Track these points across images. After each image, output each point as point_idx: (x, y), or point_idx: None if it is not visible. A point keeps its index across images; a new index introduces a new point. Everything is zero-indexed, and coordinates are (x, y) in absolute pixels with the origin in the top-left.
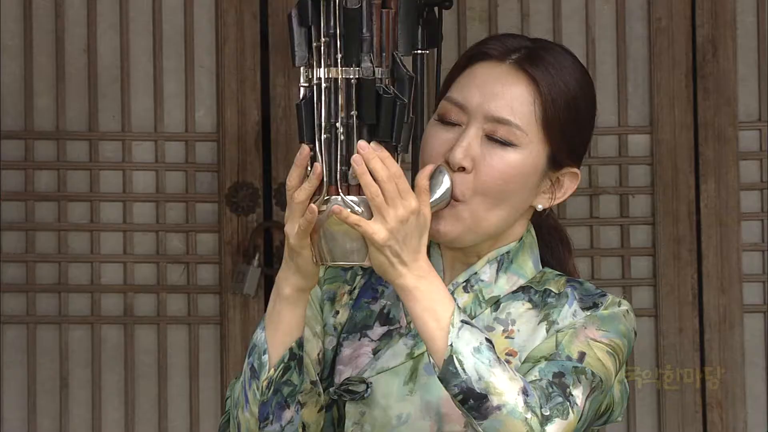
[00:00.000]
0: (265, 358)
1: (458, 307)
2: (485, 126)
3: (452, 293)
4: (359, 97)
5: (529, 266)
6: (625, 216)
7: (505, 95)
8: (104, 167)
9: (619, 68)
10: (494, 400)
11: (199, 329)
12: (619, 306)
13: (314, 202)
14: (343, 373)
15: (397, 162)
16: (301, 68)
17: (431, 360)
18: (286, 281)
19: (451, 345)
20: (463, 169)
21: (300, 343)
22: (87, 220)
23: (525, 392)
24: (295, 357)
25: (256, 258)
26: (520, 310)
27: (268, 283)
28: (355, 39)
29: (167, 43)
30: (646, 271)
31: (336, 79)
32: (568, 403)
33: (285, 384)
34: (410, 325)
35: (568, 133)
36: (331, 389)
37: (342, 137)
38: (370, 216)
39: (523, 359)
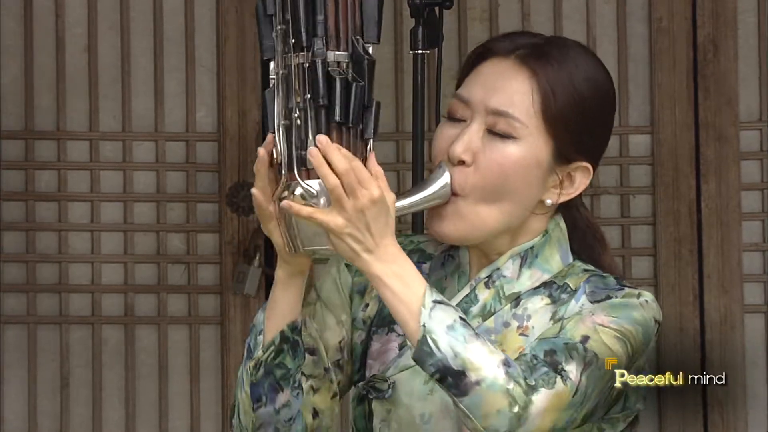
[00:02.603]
0: (260, 338)
1: (429, 287)
2: (487, 120)
3: (474, 289)
4: (311, 79)
5: (555, 260)
6: (626, 216)
7: (506, 89)
8: (105, 167)
9: (619, 68)
10: (472, 376)
11: (200, 329)
12: (638, 297)
13: (277, 189)
14: (373, 367)
15: (368, 148)
16: (271, 60)
17: (409, 344)
18: (279, 266)
19: (423, 325)
20: (462, 162)
21: (293, 327)
22: (87, 220)
23: (506, 364)
24: (287, 340)
25: (257, 258)
26: (537, 305)
27: (268, 283)
28: (310, 25)
29: (168, 42)
30: (646, 272)
31: (290, 66)
32: (556, 374)
33: (277, 366)
34: None
35: (572, 127)
36: (359, 384)
37: (298, 122)
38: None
39: None
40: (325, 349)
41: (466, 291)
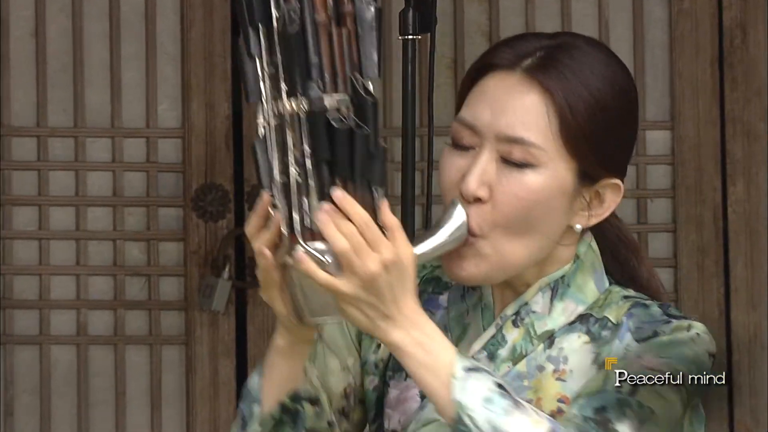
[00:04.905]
0: (256, 409)
1: (459, 354)
2: (498, 147)
3: (501, 328)
4: (310, 131)
5: (590, 288)
6: (643, 222)
7: (516, 110)
8: (54, 167)
9: (635, 56)
10: None
11: (162, 350)
12: (688, 331)
13: (278, 253)
14: (392, 417)
15: (380, 199)
16: (258, 104)
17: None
18: (279, 334)
19: (457, 401)
20: (478, 199)
21: (295, 396)
22: (34, 227)
23: None
24: (288, 411)
25: (226, 269)
26: (575, 345)
27: (239, 298)
28: (303, 68)
29: (125, 26)
30: (666, 284)
31: (283, 114)
32: None
33: None
34: None
35: (596, 143)
36: None
37: (299, 179)
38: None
39: None
40: (328, 398)
41: (492, 331)
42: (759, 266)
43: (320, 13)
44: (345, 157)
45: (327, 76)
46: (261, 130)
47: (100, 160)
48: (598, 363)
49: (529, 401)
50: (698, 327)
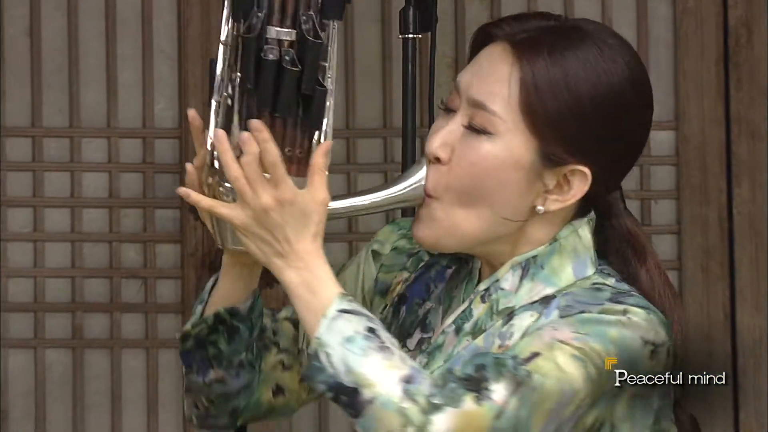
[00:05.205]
0: (198, 308)
1: (341, 296)
2: (468, 111)
3: (471, 302)
4: (241, 57)
5: (566, 272)
6: (647, 224)
7: (488, 77)
8: (49, 168)
9: (639, 54)
10: (365, 393)
11: (159, 354)
12: (623, 314)
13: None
14: None
15: (316, 140)
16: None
17: None
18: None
19: (317, 338)
20: (438, 160)
21: (233, 312)
22: (29, 228)
23: (408, 380)
24: (223, 322)
25: None
26: (525, 322)
27: None
28: None
29: (122, 25)
30: None
31: (236, 35)
32: (468, 392)
33: (211, 344)
34: (426, 342)
35: (560, 126)
36: None
37: (229, 103)
38: None
39: None
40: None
41: (465, 305)
42: (765, 268)
43: None
44: (268, 89)
45: (276, 7)
46: (220, 48)
47: (96, 161)
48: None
49: None
50: (639, 313)
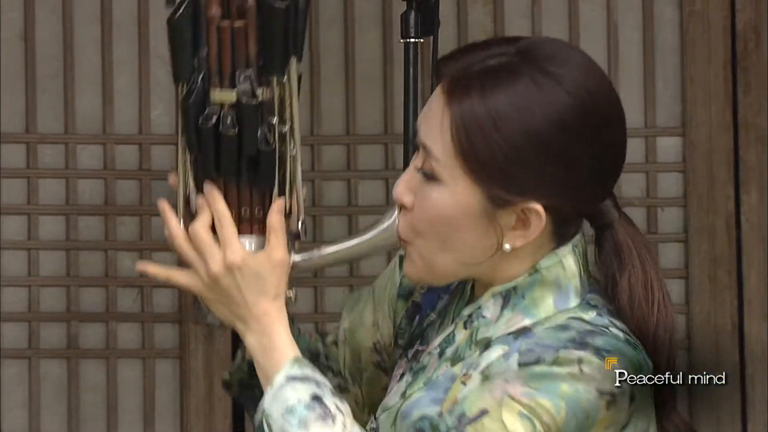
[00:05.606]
0: (239, 354)
1: (294, 361)
2: (422, 154)
3: (455, 327)
4: (183, 124)
5: (547, 304)
6: (653, 232)
7: (431, 120)
8: (44, 175)
9: (645, 59)
10: None
11: (156, 364)
12: (578, 364)
13: None
14: (390, 392)
15: (271, 199)
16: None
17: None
18: None
19: (262, 409)
20: (404, 206)
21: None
22: (24, 236)
23: None
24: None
25: None
26: (492, 355)
27: None
28: (187, 55)
29: (118, 30)
30: (677, 297)
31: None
32: None
33: (256, 387)
34: (421, 355)
35: (495, 166)
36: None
37: (186, 166)
38: None
39: None
40: (357, 351)
41: (450, 329)
42: None
43: (212, 7)
44: (210, 154)
45: (213, 69)
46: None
47: (92, 168)
48: (483, 375)
49: None
50: (592, 362)
